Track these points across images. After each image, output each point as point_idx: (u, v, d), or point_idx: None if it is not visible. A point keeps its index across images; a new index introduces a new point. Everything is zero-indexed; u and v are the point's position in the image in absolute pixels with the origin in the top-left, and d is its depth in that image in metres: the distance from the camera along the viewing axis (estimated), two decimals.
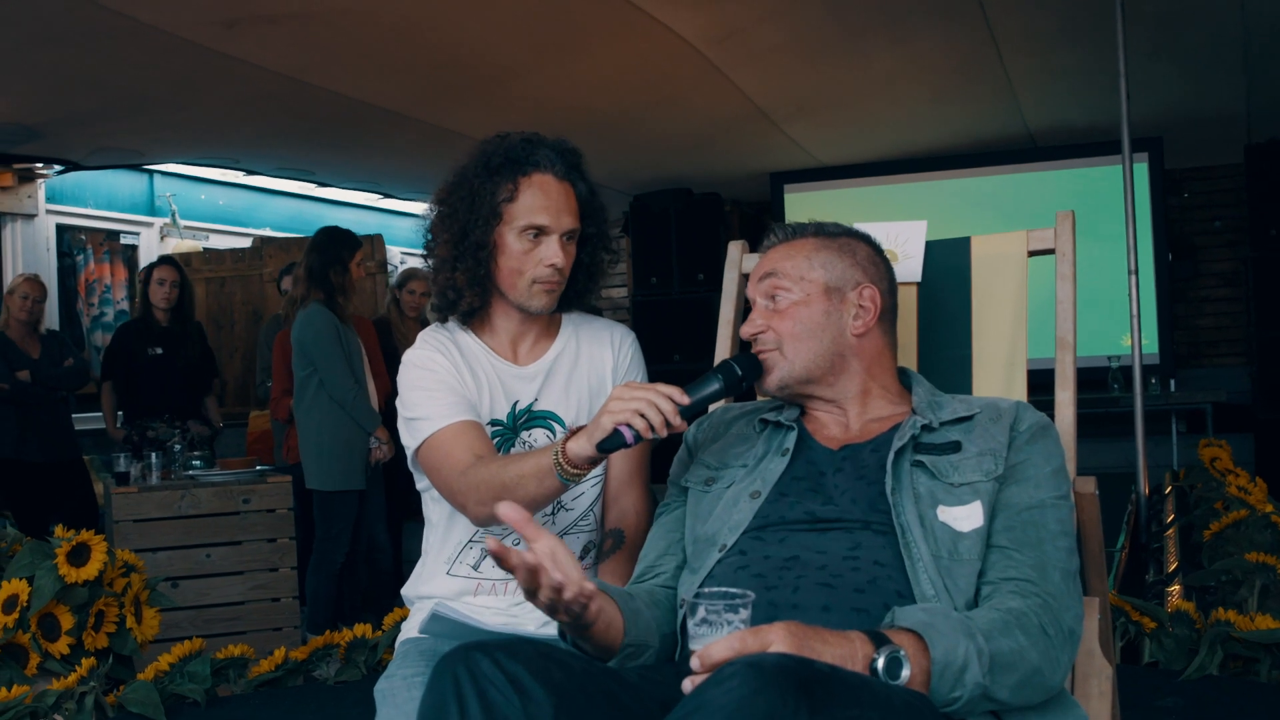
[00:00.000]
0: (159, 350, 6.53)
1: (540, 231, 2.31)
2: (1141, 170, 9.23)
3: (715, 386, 2.10)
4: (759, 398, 2.41)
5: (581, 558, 2.43)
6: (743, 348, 2.56)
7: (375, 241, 8.65)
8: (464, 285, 2.35)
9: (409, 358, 2.42)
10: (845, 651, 1.63)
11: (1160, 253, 9.44)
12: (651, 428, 1.96)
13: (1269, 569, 4.13)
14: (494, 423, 2.39)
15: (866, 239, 2.21)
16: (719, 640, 1.59)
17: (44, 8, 5.16)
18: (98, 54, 5.82)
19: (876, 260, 2.18)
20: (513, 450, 2.26)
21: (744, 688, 1.41)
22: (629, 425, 1.96)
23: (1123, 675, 3.66)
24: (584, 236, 2.41)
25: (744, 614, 1.64)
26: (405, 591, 2.53)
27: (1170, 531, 5.43)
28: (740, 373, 2.13)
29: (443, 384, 2.35)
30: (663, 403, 1.97)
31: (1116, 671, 3.66)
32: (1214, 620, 3.61)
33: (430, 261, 2.41)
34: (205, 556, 5.35)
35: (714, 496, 2.12)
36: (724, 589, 1.68)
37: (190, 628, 5.07)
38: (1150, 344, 9.35)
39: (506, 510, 1.74)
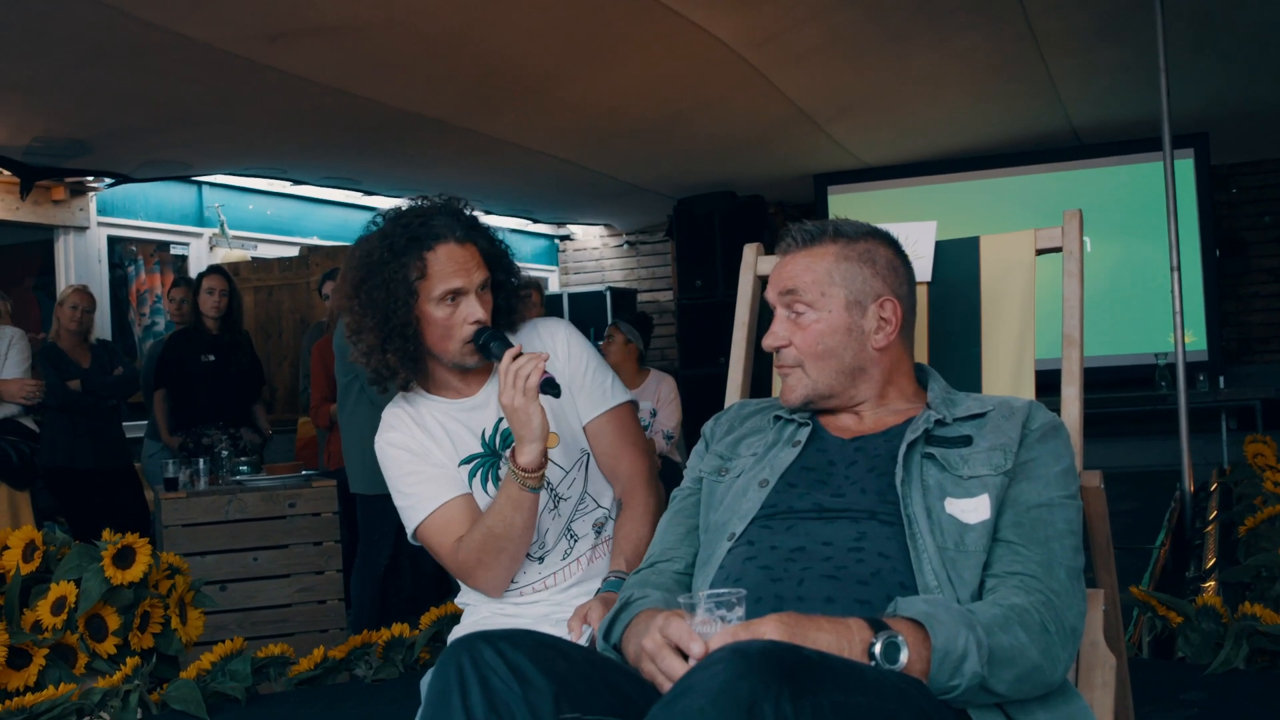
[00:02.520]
0: (211, 358, 6.61)
1: (457, 294, 2.40)
2: (1187, 166, 9.18)
3: (495, 346, 2.39)
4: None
5: (597, 534, 2.53)
6: (759, 352, 2.60)
7: None
8: (396, 364, 2.45)
9: (377, 446, 2.55)
10: (840, 638, 1.67)
11: (1208, 249, 9.37)
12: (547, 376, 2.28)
13: None
14: (468, 459, 2.49)
15: (888, 240, 2.19)
16: (715, 636, 1.64)
17: (91, 26, 5.27)
18: (145, 69, 5.94)
19: (896, 264, 2.16)
20: (500, 471, 2.38)
21: (728, 672, 1.46)
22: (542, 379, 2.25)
23: (1149, 669, 3.67)
24: (496, 283, 2.50)
25: (739, 610, 1.69)
26: (458, 600, 2.64)
27: (1210, 528, 5.40)
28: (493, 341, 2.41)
29: (412, 470, 2.48)
30: (523, 360, 2.27)
31: (1142, 666, 3.68)
32: (1240, 614, 3.61)
33: (358, 347, 2.48)
34: (252, 560, 5.43)
35: (725, 485, 2.15)
36: (715, 590, 1.72)
37: (238, 629, 5.15)
38: (1199, 341, 9.28)
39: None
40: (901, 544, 1.91)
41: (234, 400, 6.74)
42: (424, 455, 2.48)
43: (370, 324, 2.42)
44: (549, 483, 2.45)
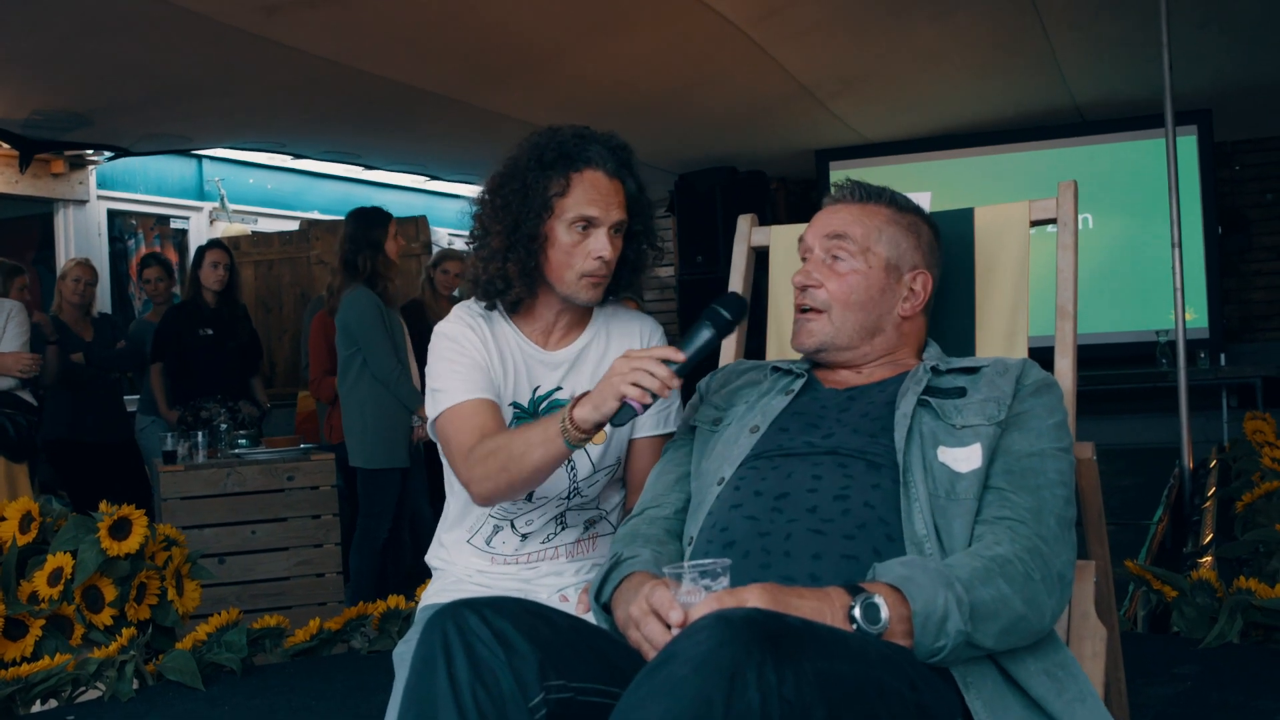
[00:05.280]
0: (209, 331, 6.61)
1: (589, 224, 2.33)
2: (1190, 143, 9.15)
3: (707, 334, 2.15)
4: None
5: (585, 529, 2.50)
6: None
7: (420, 223, 8.72)
8: (514, 276, 2.36)
9: (440, 329, 2.46)
10: (821, 606, 1.68)
11: (1210, 226, 9.35)
12: (653, 394, 2.03)
13: None
14: (514, 405, 2.43)
15: (932, 224, 2.26)
16: (698, 604, 1.65)
17: None
18: (143, 42, 5.92)
19: (935, 246, 2.24)
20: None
21: (711, 640, 1.46)
22: (633, 398, 2.03)
23: (1143, 644, 3.67)
24: (630, 232, 2.43)
25: (723, 580, 1.70)
26: (428, 558, 2.59)
27: (1209, 504, 5.41)
28: (729, 315, 2.18)
29: (467, 358, 2.39)
30: (657, 368, 2.02)
31: (1137, 640, 3.68)
32: (1235, 589, 3.61)
33: (479, 251, 2.41)
34: (251, 533, 5.44)
35: (718, 435, 2.18)
36: (699, 561, 1.73)
37: (237, 602, 5.15)
38: (1200, 318, 9.27)
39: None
40: (887, 491, 1.93)
41: (232, 374, 6.73)
42: (484, 360, 2.39)
43: (498, 228, 2.36)
44: (575, 475, 2.41)
